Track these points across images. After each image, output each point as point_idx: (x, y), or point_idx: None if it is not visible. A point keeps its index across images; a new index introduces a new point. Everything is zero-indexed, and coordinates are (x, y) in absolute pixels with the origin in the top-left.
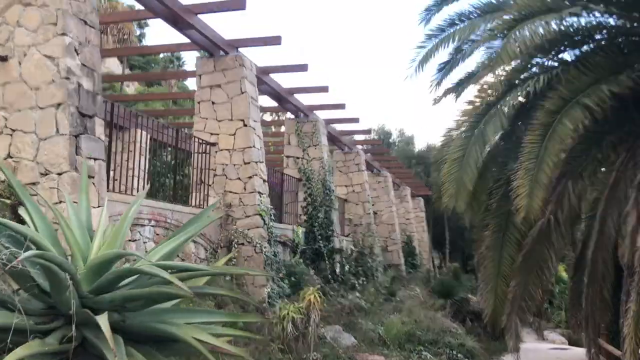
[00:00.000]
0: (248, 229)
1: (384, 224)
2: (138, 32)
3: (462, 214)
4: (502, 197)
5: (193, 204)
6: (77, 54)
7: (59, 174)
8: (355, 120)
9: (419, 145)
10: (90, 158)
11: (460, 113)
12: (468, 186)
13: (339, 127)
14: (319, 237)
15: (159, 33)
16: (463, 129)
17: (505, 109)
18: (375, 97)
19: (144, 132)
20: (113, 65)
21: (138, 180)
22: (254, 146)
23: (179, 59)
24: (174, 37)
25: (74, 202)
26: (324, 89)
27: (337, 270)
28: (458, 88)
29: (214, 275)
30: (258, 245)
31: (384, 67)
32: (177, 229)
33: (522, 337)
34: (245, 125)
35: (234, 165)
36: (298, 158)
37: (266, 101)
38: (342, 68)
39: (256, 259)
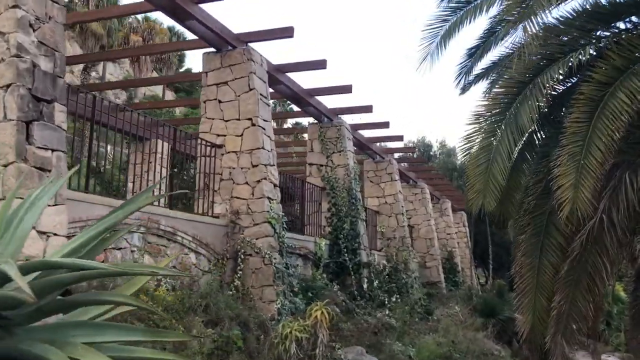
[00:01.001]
0: (256, 239)
1: (421, 239)
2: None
3: (505, 227)
4: (542, 193)
5: (198, 211)
6: (33, 30)
7: (5, 166)
8: (385, 124)
9: (461, 158)
10: (45, 148)
11: (490, 98)
12: (499, 179)
13: (369, 133)
14: (344, 249)
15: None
16: (494, 111)
17: (544, 88)
18: (415, 109)
19: (165, 143)
20: (157, 89)
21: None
22: (263, 147)
23: None
24: None
25: (19, 197)
26: (348, 89)
27: (365, 286)
28: (490, 73)
29: (109, 275)
30: (267, 256)
31: (426, 79)
32: (173, 235)
33: None
34: (253, 125)
35: (242, 168)
36: (322, 166)
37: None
38: (375, 77)
39: (265, 272)
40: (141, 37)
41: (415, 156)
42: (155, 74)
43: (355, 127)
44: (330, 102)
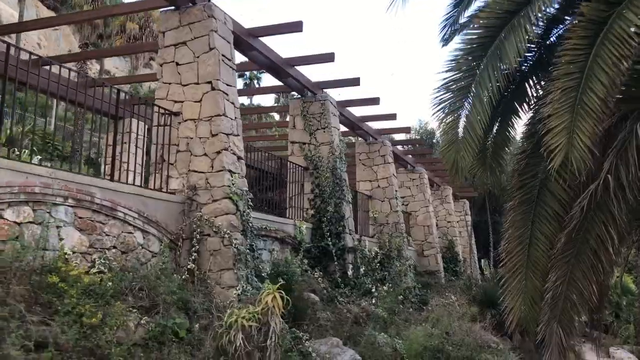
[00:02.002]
0: (215, 217)
1: (419, 226)
2: None
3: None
4: (533, 151)
5: (152, 186)
6: None
7: None
8: (375, 100)
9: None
10: None
11: (468, 38)
12: (477, 129)
13: (360, 112)
14: (328, 233)
15: None
16: (473, 46)
17: (535, 16)
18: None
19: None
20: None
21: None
22: (224, 114)
23: None
24: None
25: None
26: (329, 58)
27: (350, 272)
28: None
29: None
30: (227, 236)
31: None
32: (112, 211)
33: (583, 353)
34: (213, 89)
35: (200, 138)
36: (304, 144)
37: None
38: (377, 65)
39: (224, 254)
40: (137, 24)
41: (413, 138)
42: (153, 65)
43: (344, 104)
44: (317, 76)
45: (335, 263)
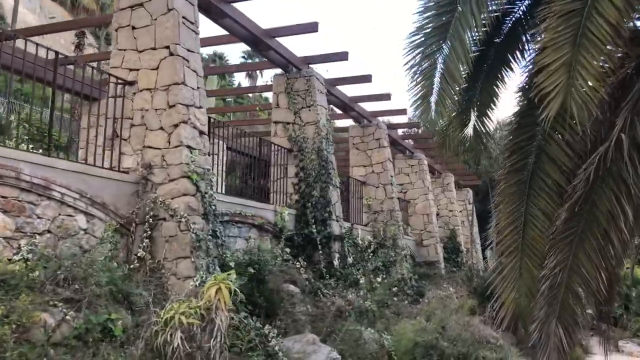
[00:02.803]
0: (171, 198)
1: (418, 215)
2: None
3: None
4: (529, 107)
5: (103, 164)
6: None
7: None
8: (367, 78)
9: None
10: None
11: None
12: (457, 78)
13: (352, 92)
14: (312, 220)
15: None
16: None
17: None
18: None
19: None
20: None
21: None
22: (183, 83)
23: (221, 57)
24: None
25: None
26: (313, 28)
27: (336, 262)
28: None
29: None
30: (184, 220)
31: None
32: (46, 190)
33: (590, 347)
34: (171, 55)
35: (156, 110)
36: (288, 124)
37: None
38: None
39: (180, 240)
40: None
41: (417, 127)
42: None
43: (333, 83)
44: (300, 50)
45: (320, 252)
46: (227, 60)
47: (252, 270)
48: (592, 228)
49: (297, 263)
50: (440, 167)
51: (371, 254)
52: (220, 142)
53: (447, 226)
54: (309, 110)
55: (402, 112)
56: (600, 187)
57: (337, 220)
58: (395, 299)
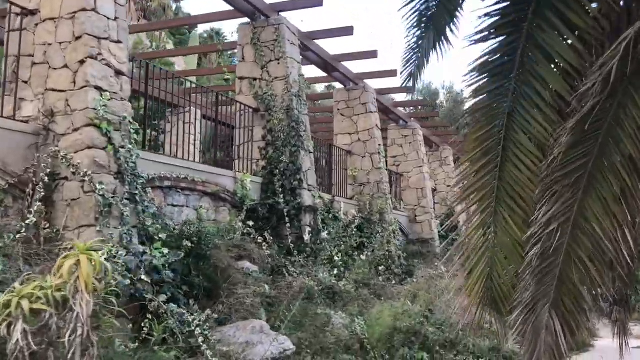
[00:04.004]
0: (75, 152)
1: (411, 189)
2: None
3: None
4: None
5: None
6: None
7: None
8: (348, 30)
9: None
10: None
11: None
12: None
13: (335, 49)
14: (280, 189)
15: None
16: None
17: None
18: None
19: None
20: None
21: None
22: (94, 10)
23: (219, 34)
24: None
25: None
26: None
27: (306, 237)
28: None
29: None
30: (87, 179)
31: None
32: None
33: (597, 331)
34: None
35: (60, 44)
36: (255, 80)
37: None
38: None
39: (84, 204)
40: None
41: (401, 86)
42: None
43: (310, 36)
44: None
45: (288, 225)
46: (225, 37)
47: (189, 244)
48: (611, 158)
49: (260, 238)
50: (439, 140)
51: (355, 230)
52: (194, 109)
53: (444, 202)
54: (278, 63)
55: (392, 73)
56: (627, 90)
57: (310, 190)
58: (380, 278)
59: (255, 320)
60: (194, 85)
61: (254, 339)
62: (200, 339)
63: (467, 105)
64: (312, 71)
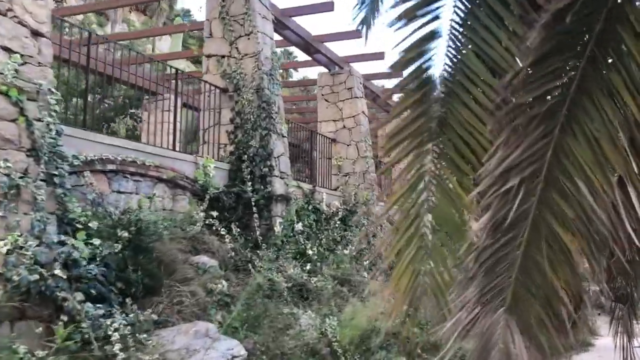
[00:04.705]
0: None
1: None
2: None
3: None
4: None
5: None
6: None
7: None
8: (327, 5)
9: None
10: None
11: None
12: None
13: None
14: (249, 177)
15: None
16: None
17: None
18: None
19: None
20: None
21: None
22: None
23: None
24: None
25: None
26: None
27: (277, 228)
28: None
29: None
30: None
31: None
32: None
33: (598, 329)
34: None
35: None
36: (223, 57)
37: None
38: None
39: None
40: None
41: (390, 69)
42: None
43: (288, 14)
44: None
45: (256, 216)
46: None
47: (127, 235)
48: (605, 77)
49: (223, 229)
50: None
51: (339, 222)
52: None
53: None
54: (248, 39)
55: (380, 56)
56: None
57: (283, 178)
58: (365, 274)
59: (201, 323)
60: (174, 71)
61: (196, 344)
62: (118, 347)
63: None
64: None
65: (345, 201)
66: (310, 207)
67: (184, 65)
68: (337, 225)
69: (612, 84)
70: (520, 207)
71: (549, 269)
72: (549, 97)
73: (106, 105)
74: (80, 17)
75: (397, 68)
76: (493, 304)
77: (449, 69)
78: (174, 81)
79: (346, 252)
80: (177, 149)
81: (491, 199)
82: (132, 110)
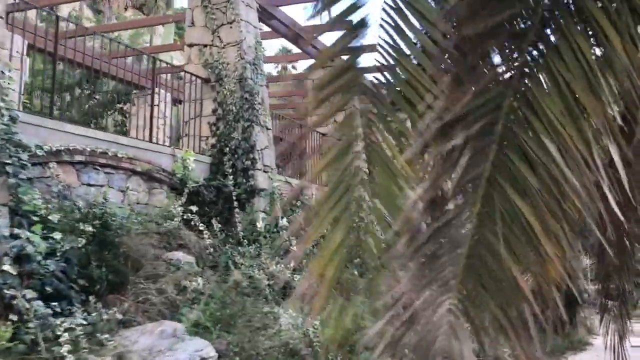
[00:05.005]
0: None
1: None
2: None
3: None
4: None
5: None
6: None
7: None
8: None
9: None
10: None
11: None
12: None
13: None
14: (230, 170)
15: None
16: None
17: None
18: None
19: None
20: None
21: None
22: None
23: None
24: None
25: None
26: None
27: (260, 224)
28: None
29: None
30: None
31: None
32: None
33: (596, 328)
34: None
35: None
36: (205, 46)
37: None
38: None
39: None
40: None
41: None
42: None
43: (274, 3)
44: None
45: (237, 210)
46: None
47: (91, 229)
48: None
49: (201, 225)
50: None
51: None
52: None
53: None
54: (231, 27)
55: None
56: None
57: (266, 171)
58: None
59: (167, 322)
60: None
61: (160, 345)
62: (66, 348)
63: None
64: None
65: None
66: (299, 203)
67: (179, 58)
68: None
69: (589, 12)
70: (467, 173)
71: (507, 255)
72: (505, 27)
73: (95, 100)
74: (76, 11)
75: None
76: (434, 301)
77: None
78: (162, 75)
79: None
80: (155, 141)
81: (428, 165)
82: (120, 105)
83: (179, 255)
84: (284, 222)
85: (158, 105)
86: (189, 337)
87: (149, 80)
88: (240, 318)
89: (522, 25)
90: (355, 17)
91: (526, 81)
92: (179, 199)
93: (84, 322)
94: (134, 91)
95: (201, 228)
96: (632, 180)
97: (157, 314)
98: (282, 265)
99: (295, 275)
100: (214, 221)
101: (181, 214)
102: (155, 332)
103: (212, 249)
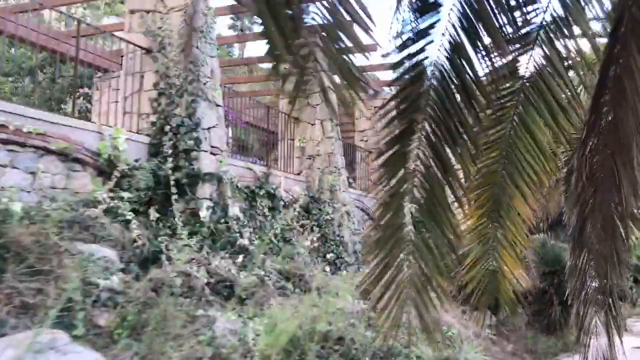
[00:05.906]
0: None
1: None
2: None
3: None
4: None
5: None
6: None
7: None
8: None
9: None
10: None
11: None
12: None
13: None
14: (170, 151)
15: None
16: None
17: None
18: None
19: None
20: None
21: None
22: None
23: None
24: None
25: None
26: None
27: (205, 213)
28: None
29: None
30: None
31: None
32: None
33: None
34: None
35: None
36: (147, 12)
37: None
38: None
39: None
40: None
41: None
42: None
43: None
44: None
45: (175, 198)
46: None
47: None
48: None
49: (130, 213)
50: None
51: (300, 210)
52: None
53: None
54: None
55: (372, 47)
56: None
57: (215, 154)
58: (327, 269)
59: (46, 330)
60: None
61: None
62: None
63: None
64: None
65: (310, 187)
66: (262, 192)
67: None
68: (297, 212)
69: None
70: None
71: None
72: None
73: (56, 84)
74: None
75: None
76: None
77: None
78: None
79: (306, 243)
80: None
81: None
82: (84, 90)
83: (95, 247)
84: (235, 211)
85: (118, 89)
86: (75, 349)
87: (113, 62)
88: (160, 323)
89: None
90: None
91: None
92: (107, 183)
93: None
94: (98, 74)
95: (129, 217)
96: None
97: (41, 320)
98: (227, 262)
99: (242, 273)
100: (152, 210)
101: (108, 200)
102: (27, 344)
103: (141, 242)
